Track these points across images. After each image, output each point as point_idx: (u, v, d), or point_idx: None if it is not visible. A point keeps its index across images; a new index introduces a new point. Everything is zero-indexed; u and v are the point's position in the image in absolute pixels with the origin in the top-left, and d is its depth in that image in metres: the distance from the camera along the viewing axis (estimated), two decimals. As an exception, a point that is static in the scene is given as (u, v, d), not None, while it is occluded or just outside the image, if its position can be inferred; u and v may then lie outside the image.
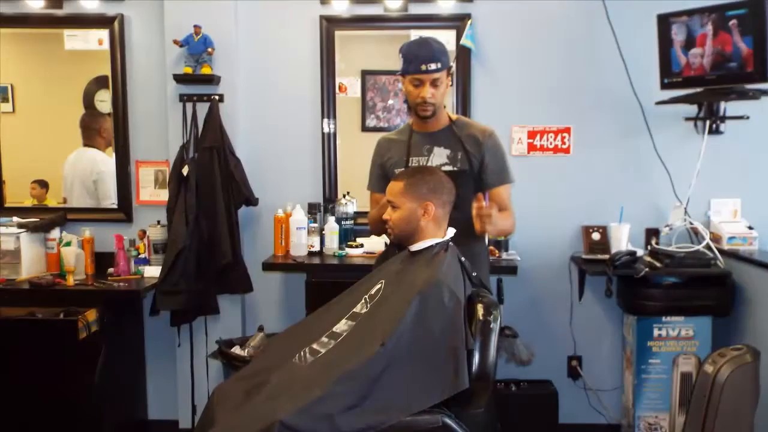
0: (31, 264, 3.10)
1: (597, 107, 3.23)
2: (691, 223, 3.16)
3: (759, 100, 2.97)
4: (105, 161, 3.39)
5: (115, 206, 3.36)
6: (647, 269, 2.88)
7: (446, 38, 2.84)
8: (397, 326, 1.90)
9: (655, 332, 2.96)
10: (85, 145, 3.42)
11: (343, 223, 3.18)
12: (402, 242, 2.22)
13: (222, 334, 3.13)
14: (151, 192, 3.33)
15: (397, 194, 2.17)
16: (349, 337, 2.01)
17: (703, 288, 2.91)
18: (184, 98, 3.17)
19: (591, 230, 3.19)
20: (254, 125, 3.32)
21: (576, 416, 3.29)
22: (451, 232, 2.19)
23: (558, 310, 3.30)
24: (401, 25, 3.26)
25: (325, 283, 2.89)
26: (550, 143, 3.26)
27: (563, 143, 3.26)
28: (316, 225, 3.17)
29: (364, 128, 3.41)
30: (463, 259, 2.16)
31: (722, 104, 3.10)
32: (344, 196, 3.25)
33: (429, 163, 2.40)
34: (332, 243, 3.13)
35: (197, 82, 3.14)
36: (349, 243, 3.14)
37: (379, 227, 2.41)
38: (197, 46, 3.08)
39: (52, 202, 3.46)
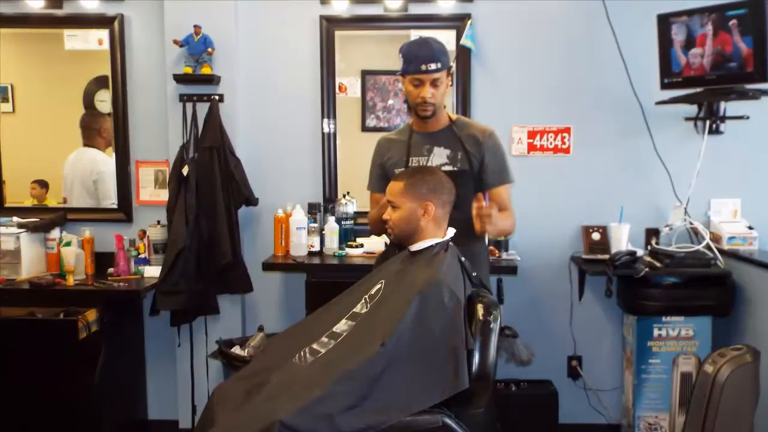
0: (31, 264, 3.10)
1: (597, 107, 3.23)
2: (691, 223, 3.16)
3: (759, 100, 2.97)
4: (105, 161, 3.39)
5: (115, 206, 3.36)
6: (647, 269, 2.88)
7: (446, 38, 2.84)
8: (397, 326, 1.90)
9: (655, 332, 2.96)
10: (85, 145, 3.42)
11: (343, 223, 3.18)
12: (402, 242, 2.22)
13: (222, 334, 3.13)
14: (151, 192, 3.33)
15: (397, 194, 2.17)
16: (349, 337, 2.01)
17: (703, 288, 2.91)
18: (184, 98, 3.17)
19: (591, 230, 3.19)
20: (254, 125, 3.32)
21: (576, 416, 3.29)
22: (451, 232, 2.19)
23: (558, 310, 3.30)
24: (401, 25, 3.26)
25: (325, 283, 2.89)
26: (550, 143, 3.26)
27: (563, 143, 3.26)
28: (316, 225, 3.17)
29: (364, 128, 3.41)
30: (463, 259, 2.16)
31: (722, 104, 3.10)
32: (344, 196, 3.25)
33: (429, 163, 2.40)
34: (332, 243, 3.13)
35: (197, 82, 3.14)
36: (349, 243, 3.14)
37: (379, 227, 2.40)
38: (197, 46, 3.08)
39: (52, 202, 3.46)
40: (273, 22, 3.30)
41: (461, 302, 1.99)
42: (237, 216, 3.16)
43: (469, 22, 3.17)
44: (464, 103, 3.23)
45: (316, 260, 3.08)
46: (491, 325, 1.98)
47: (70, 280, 2.98)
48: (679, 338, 2.95)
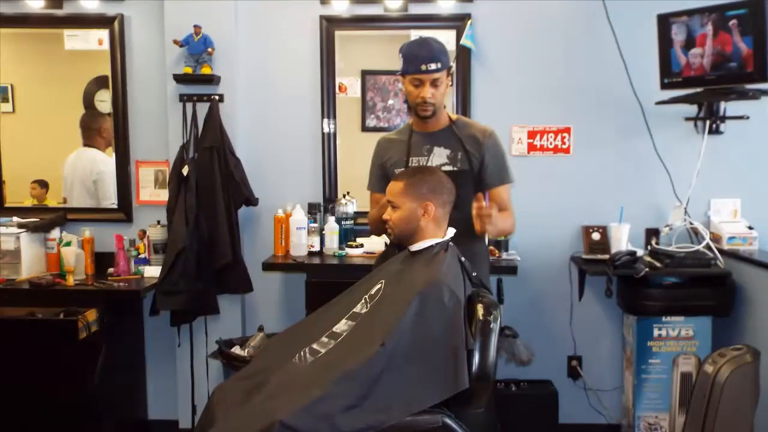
0: (31, 264, 3.10)
1: (597, 107, 3.23)
2: (691, 223, 3.16)
3: (759, 100, 2.97)
4: (105, 161, 3.39)
5: (115, 206, 3.36)
6: (647, 269, 2.88)
7: (446, 38, 2.84)
8: (397, 326, 1.90)
9: (655, 332, 2.96)
10: (85, 145, 3.42)
11: (343, 223, 3.18)
12: (402, 242, 2.22)
13: (222, 334, 3.13)
14: (151, 192, 3.33)
15: (397, 194, 2.17)
16: (349, 337, 2.01)
17: (703, 288, 2.91)
18: (184, 98, 3.17)
19: (591, 230, 3.19)
20: (254, 125, 3.32)
21: (576, 416, 3.29)
22: (451, 232, 2.19)
23: (558, 310, 3.30)
24: (401, 25, 3.26)
25: (325, 283, 2.89)
26: (550, 143, 3.26)
27: (563, 143, 3.26)
28: (316, 225, 3.17)
29: (364, 128, 3.41)
30: (463, 259, 2.16)
31: (722, 104, 3.10)
32: (344, 196, 3.25)
33: (429, 163, 2.40)
34: (332, 243, 3.13)
35: (197, 82, 3.14)
36: (349, 243, 3.14)
37: (379, 227, 2.40)
38: (197, 46, 3.08)
39: (52, 202, 3.46)
40: (273, 22, 3.30)
41: (461, 302, 1.98)
42: (237, 216, 3.16)
43: (469, 22, 3.17)
44: (464, 103, 3.23)
45: (316, 260, 3.08)
46: (491, 325, 1.98)
47: (70, 280, 2.98)
48: (679, 338, 2.95)
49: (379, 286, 2.13)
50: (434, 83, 2.33)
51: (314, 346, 2.03)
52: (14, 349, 2.83)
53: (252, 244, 3.33)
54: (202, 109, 3.16)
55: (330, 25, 3.27)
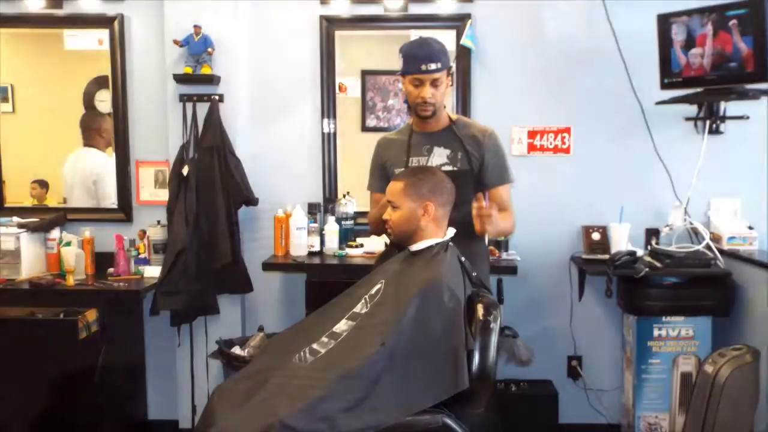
0: (31, 264, 3.10)
1: (597, 107, 3.23)
2: (691, 223, 3.16)
3: (759, 100, 2.97)
4: (105, 161, 3.39)
5: (115, 206, 3.36)
6: (647, 269, 2.88)
7: (446, 38, 2.83)
8: (397, 326, 1.90)
9: (655, 332, 2.96)
10: (85, 145, 3.42)
11: (343, 223, 3.18)
12: (402, 242, 2.22)
13: (222, 334, 3.12)
14: (151, 192, 3.33)
15: (397, 194, 2.17)
16: (349, 337, 2.01)
17: (703, 288, 2.91)
18: (184, 98, 3.17)
19: (591, 230, 3.19)
20: (254, 125, 3.32)
21: (576, 416, 3.29)
22: (451, 232, 2.19)
23: (558, 310, 3.30)
24: (401, 25, 3.26)
25: (325, 283, 2.89)
26: (550, 143, 3.26)
27: (563, 143, 3.26)
28: (316, 225, 3.17)
29: (364, 128, 3.41)
30: (463, 259, 2.16)
31: (722, 104, 3.10)
32: (344, 196, 3.25)
33: (429, 163, 2.40)
34: (332, 243, 3.13)
35: (197, 82, 3.14)
36: (349, 243, 3.14)
37: (379, 227, 2.40)
38: (197, 46, 3.08)
39: (52, 202, 3.46)
40: (273, 22, 3.30)
41: (461, 302, 1.99)
42: (237, 216, 3.16)
43: (469, 22, 3.17)
44: (464, 103, 3.23)
45: (316, 260, 3.08)
46: (491, 325, 1.98)
47: (70, 280, 2.98)
48: (679, 338, 2.95)
49: (379, 286, 2.13)
50: (434, 83, 2.33)
51: (314, 346, 2.03)
52: (14, 349, 2.83)
53: (252, 244, 3.32)
54: (202, 109, 3.15)
55: (330, 25, 3.27)
